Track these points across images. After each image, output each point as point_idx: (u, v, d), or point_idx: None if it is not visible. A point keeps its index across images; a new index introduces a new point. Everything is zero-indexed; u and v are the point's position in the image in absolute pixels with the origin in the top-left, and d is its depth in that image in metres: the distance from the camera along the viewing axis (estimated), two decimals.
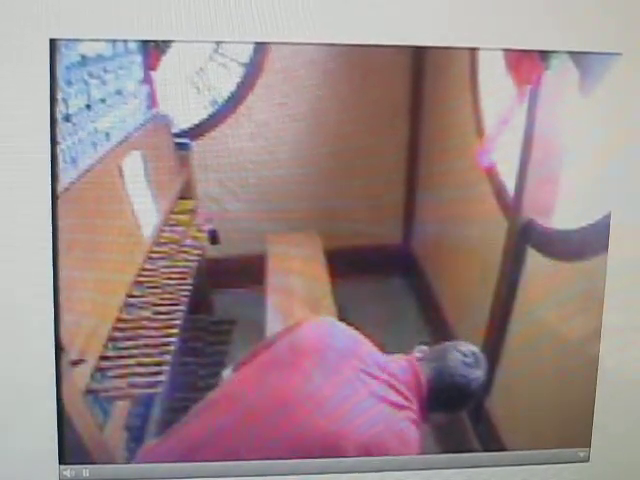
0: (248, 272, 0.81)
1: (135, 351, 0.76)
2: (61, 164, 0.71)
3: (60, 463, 0.75)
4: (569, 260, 0.81)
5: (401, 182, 0.82)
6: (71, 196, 0.72)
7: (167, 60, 0.74)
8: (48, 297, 0.72)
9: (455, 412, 0.84)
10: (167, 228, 0.81)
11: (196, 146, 0.77)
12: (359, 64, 0.77)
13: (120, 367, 0.75)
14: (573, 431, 0.83)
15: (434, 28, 0.74)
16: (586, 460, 0.83)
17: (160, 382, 0.77)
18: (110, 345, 0.75)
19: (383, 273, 0.84)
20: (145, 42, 0.73)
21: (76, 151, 0.72)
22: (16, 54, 0.69)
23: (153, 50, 0.73)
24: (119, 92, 0.75)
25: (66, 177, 0.72)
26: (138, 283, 0.77)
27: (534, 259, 0.82)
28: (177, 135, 0.76)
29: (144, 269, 0.78)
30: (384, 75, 0.78)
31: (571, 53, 0.77)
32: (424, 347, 0.82)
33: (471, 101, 0.80)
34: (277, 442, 0.76)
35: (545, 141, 0.79)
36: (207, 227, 0.80)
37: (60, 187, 0.71)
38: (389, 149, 0.81)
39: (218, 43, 0.74)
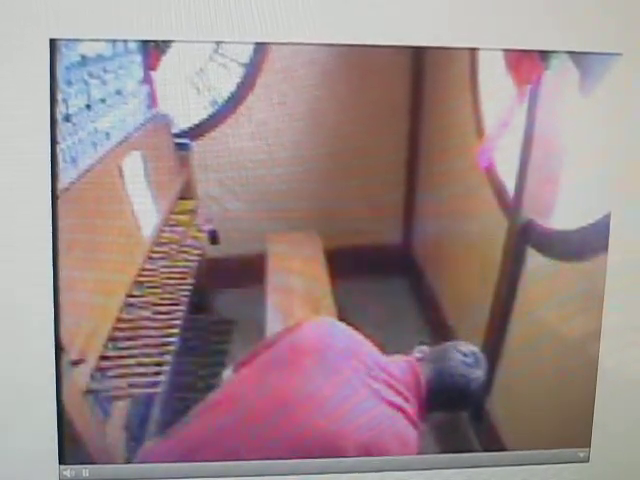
0: (248, 272, 0.81)
1: (135, 351, 0.76)
2: (61, 164, 0.71)
3: (60, 463, 0.75)
4: (569, 260, 0.81)
5: (401, 182, 0.82)
6: (71, 196, 0.72)
7: (167, 60, 0.74)
8: (48, 297, 0.72)
9: (455, 412, 0.84)
10: (167, 228, 0.82)
11: (196, 146, 0.77)
12: (359, 64, 0.77)
13: (120, 367, 0.75)
14: (573, 431, 0.83)
15: (434, 28, 0.74)
16: (586, 460, 0.83)
17: (160, 382, 0.76)
18: (110, 345, 0.75)
19: (383, 273, 0.84)
20: (145, 42, 0.73)
21: (76, 151, 0.72)
22: (16, 54, 0.69)
23: (153, 50, 0.73)
24: (119, 92, 0.75)
25: (66, 177, 0.72)
26: (138, 283, 0.77)
27: (534, 259, 0.82)
28: (177, 135, 0.76)
29: (144, 269, 0.78)
30: (384, 75, 0.78)
31: (571, 53, 0.77)
32: (424, 347, 0.82)
33: (471, 101, 0.80)
34: (277, 442, 0.76)
35: (545, 141, 0.79)
36: (207, 227, 0.80)
37: (60, 187, 0.71)
38: (389, 149, 0.81)
39: (218, 43, 0.74)
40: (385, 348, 0.81)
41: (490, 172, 0.81)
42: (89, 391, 0.74)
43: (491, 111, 0.79)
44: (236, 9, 0.72)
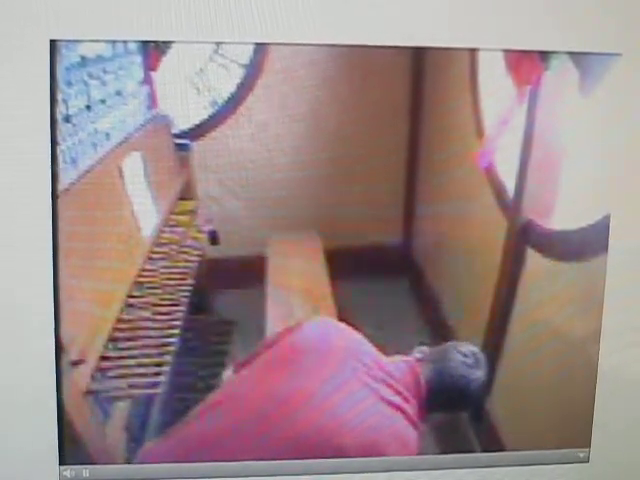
0: (248, 272, 0.81)
1: (135, 351, 0.76)
2: (61, 165, 0.71)
3: (60, 463, 0.75)
4: (569, 261, 0.81)
5: (401, 182, 0.82)
6: (71, 196, 0.72)
7: (167, 61, 0.74)
8: (48, 297, 0.72)
9: (455, 413, 0.84)
10: (167, 229, 0.82)
11: (196, 147, 0.77)
12: (359, 65, 0.77)
13: (120, 367, 0.75)
14: (573, 431, 0.83)
15: (434, 29, 0.74)
16: (586, 460, 0.83)
17: (160, 383, 0.77)
18: (110, 345, 0.75)
19: (383, 273, 0.84)
20: (145, 43, 0.73)
21: (76, 152, 0.72)
22: (16, 55, 0.69)
23: (153, 51, 0.73)
24: (119, 93, 0.75)
25: (66, 178, 0.72)
26: (138, 284, 0.77)
27: (534, 259, 0.82)
28: (177, 136, 0.76)
29: (144, 269, 0.78)
30: (384, 76, 0.78)
31: (571, 53, 0.77)
32: (424, 348, 0.82)
33: (471, 102, 0.80)
34: (277, 442, 0.76)
35: (545, 141, 0.79)
36: (207, 228, 0.80)
37: (60, 187, 0.71)
38: (389, 149, 0.81)
39: (218, 44, 0.74)
40: (385, 348, 0.81)
41: (490, 172, 0.81)
42: (89, 391, 0.74)
43: (491, 111, 0.79)
44: (236, 9, 0.72)
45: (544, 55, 0.77)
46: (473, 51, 0.76)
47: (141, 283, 0.77)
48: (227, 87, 0.77)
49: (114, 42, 0.72)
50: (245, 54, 0.75)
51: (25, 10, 0.69)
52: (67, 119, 0.71)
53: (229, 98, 0.77)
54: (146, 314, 0.77)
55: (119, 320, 0.76)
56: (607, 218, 0.80)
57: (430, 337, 0.83)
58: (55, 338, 0.72)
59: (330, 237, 0.81)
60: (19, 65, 0.69)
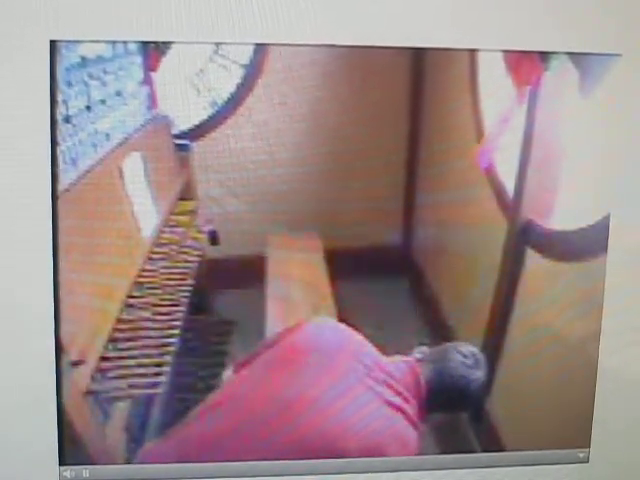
0: (248, 273, 0.81)
1: (135, 352, 0.76)
2: (61, 165, 0.71)
3: (60, 464, 0.75)
4: (568, 261, 0.81)
5: (401, 183, 0.82)
6: (71, 197, 0.72)
7: (167, 61, 0.74)
8: (48, 297, 0.72)
9: (455, 413, 0.84)
10: (167, 229, 0.82)
11: (196, 147, 0.77)
12: (359, 65, 0.77)
13: (120, 368, 0.75)
14: (573, 431, 0.83)
15: (434, 29, 0.74)
16: (586, 461, 0.83)
17: (160, 383, 0.77)
18: (110, 346, 0.75)
19: (383, 274, 0.84)
20: (145, 43, 0.73)
21: (76, 152, 0.72)
22: (16, 55, 0.69)
23: (153, 51, 0.73)
24: (119, 93, 0.75)
25: (66, 178, 0.72)
26: (138, 284, 0.77)
27: (533, 260, 0.82)
28: (177, 136, 0.76)
29: (144, 270, 0.78)
30: (384, 76, 0.78)
31: (571, 54, 0.77)
32: (424, 348, 0.82)
33: (471, 102, 0.80)
34: (276, 443, 0.76)
35: (545, 142, 0.79)
36: (207, 228, 0.80)
37: (60, 188, 0.71)
38: (389, 149, 0.81)
39: (218, 44, 0.74)
40: (385, 349, 0.81)
41: (490, 173, 0.81)
42: (89, 392, 0.74)
43: (491, 112, 0.79)
44: (236, 10, 0.72)
45: (544, 55, 0.77)
46: (473, 52, 0.76)
47: (141, 283, 0.77)
48: (227, 87, 0.77)
49: (114, 42, 0.72)
50: (245, 54, 0.75)
51: (25, 10, 0.69)
52: (67, 119, 0.71)
53: (229, 98, 0.77)
54: (146, 314, 0.77)
55: (119, 320, 0.76)
56: (607, 218, 0.80)
57: (430, 337, 0.84)
58: (55, 338, 0.72)
59: (330, 237, 0.80)
60: (19, 65, 0.69)
